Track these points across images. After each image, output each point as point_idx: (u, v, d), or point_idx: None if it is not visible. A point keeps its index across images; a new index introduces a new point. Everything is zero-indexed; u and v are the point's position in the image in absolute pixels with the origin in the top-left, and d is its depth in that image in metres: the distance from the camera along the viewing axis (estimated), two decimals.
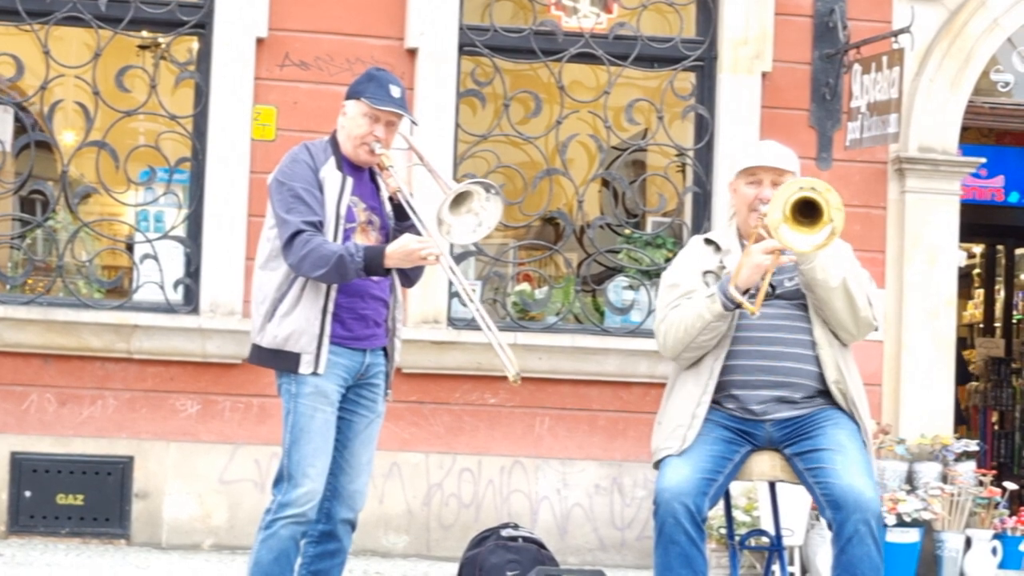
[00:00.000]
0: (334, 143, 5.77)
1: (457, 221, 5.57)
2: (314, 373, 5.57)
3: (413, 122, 5.88)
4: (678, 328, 5.49)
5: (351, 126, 5.72)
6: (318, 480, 5.59)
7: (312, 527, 5.71)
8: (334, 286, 5.60)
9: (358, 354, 5.70)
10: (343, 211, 5.64)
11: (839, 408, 5.54)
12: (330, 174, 5.67)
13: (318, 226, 5.57)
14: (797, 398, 5.52)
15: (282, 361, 5.62)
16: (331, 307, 5.61)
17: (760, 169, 5.59)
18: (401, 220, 5.75)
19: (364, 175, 5.80)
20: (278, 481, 5.62)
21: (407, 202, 5.68)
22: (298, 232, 5.53)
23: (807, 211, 5.31)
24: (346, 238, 5.63)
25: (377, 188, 5.82)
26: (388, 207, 5.78)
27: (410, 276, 5.87)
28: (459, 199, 5.57)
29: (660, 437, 5.57)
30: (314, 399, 5.59)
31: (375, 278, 5.68)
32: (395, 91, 5.70)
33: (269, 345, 5.64)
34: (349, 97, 5.76)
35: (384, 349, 5.80)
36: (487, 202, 5.60)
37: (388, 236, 5.75)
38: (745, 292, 5.41)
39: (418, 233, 5.65)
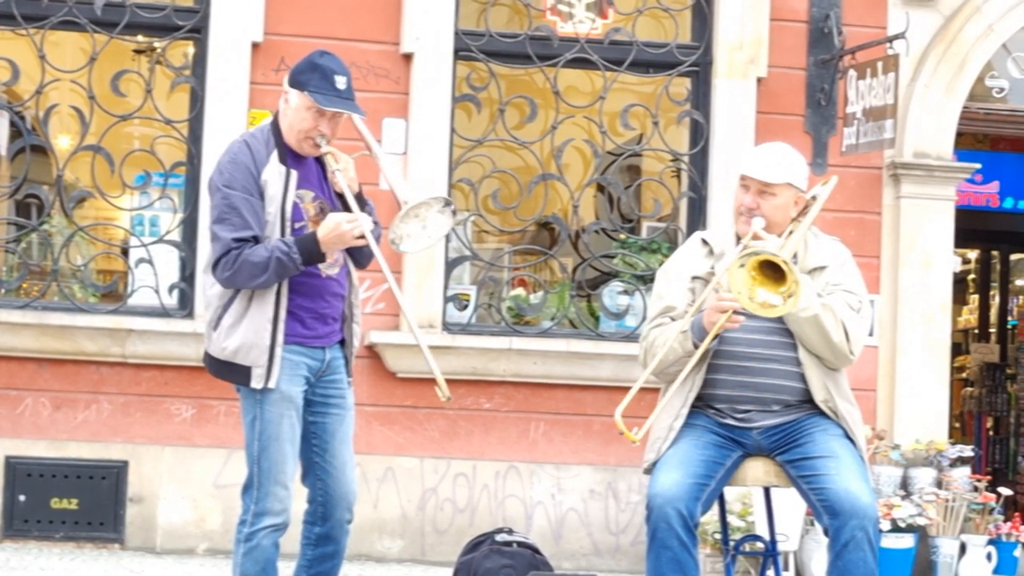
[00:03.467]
0: (276, 130, 5.47)
1: (404, 227, 5.35)
2: (265, 388, 5.40)
3: (361, 114, 5.49)
4: (654, 352, 5.55)
5: (295, 118, 5.41)
6: (290, 485, 5.51)
7: (309, 530, 5.68)
8: (284, 294, 5.40)
9: (319, 351, 5.54)
10: (288, 211, 5.40)
11: (826, 416, 5.49)
12: (272, 173, 5.38)
13: (252, 240, 5.32)
14: (779, 409, 5.48)
15: (233, 374, 5.45)
16: (282, 314, 5.39)
17: (748, 177, 5.58)
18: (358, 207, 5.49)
19: (309, 160, 5.51)
20: (247, 488, 5.52)
21: (352, 200, 5.40)
22: (225, 253, 5.31)
23: (774, 265, 5.26)
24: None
25: (324, 169, 5.53)
26: None
27: (360, 261, 5.64)
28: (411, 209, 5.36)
29: (646, 447, 5.60)
30: (280, 405, 5.45)
31: (334, 273, 5.51)
32: (341, 82, 5.38)
33: (218, 356, 5.46)
34: (293, 85, 5.43)
35: (341, 341, 5.63)
36: (438, 214, 5.39)
37: None
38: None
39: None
